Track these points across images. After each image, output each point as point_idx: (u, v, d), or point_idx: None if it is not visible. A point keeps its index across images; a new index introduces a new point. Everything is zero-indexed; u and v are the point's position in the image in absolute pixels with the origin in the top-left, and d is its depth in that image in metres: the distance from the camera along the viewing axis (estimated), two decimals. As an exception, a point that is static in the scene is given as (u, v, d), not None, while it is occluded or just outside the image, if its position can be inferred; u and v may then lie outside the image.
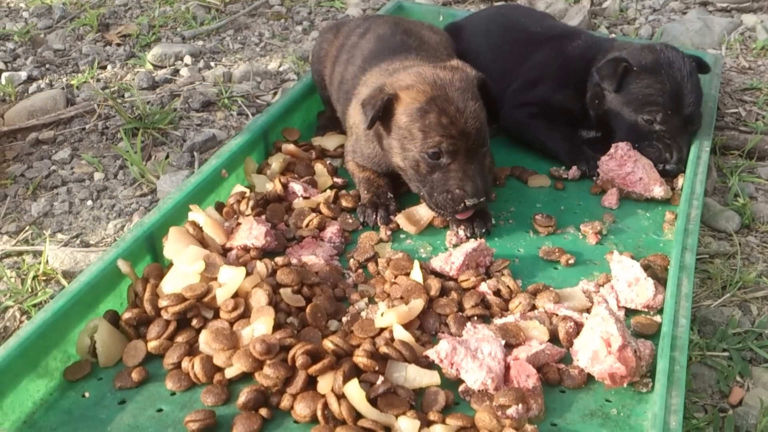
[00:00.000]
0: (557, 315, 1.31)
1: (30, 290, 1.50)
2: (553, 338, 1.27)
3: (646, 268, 1.39)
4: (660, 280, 1.38)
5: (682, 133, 1.75)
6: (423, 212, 1.58)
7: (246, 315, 1.27)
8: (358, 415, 1.09)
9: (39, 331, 1.15)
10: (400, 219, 1.58)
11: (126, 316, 1.25)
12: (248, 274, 1.32)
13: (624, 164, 1.67)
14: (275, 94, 2.36)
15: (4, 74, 2.39)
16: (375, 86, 1.55)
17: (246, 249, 1.43)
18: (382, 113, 1.48)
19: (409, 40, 1.78)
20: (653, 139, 1.73)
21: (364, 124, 1.51)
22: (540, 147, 1.87)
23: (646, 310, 1.35)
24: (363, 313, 1.32)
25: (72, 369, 1.20)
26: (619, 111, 1.78)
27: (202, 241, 1.41)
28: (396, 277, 1.39)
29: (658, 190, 1.66)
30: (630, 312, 1.35)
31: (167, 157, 1.98)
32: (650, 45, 1.82)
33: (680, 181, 1.71)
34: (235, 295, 1.29)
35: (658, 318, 1.32)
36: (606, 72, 1.76)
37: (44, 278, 1.53)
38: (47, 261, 1.55)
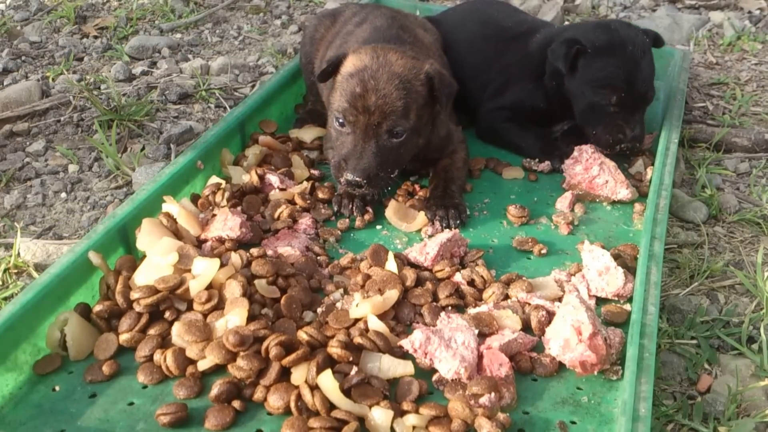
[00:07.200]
0: (530, 304, 1.33)
1: (1, 283, 1.48)
2: (526, 327, 1.29)
3: (617, 257, 1.41)
4: (630, 270, 1.41)
5: (635, 110, 1.77)
6: (412, 210, 1.61)
7: (220, 307, 1.26)
8: (331, 406, 1.09)
9: (7, 324, 1.14)
10: (388, 212, 1.59)
11: (97, 308, 1.24)
12: (223, 265, 1.31)
13: (590, 168, 1.69)
14: (253, 86, 2.34)
15: (-23, 66, 2.35)
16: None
17: (221, 240, 1.43)
18: (335, 67, 1.56)
19: (405, 35, 1.80)
20: (608, 118, 1.75)
21: (318, 78, 1.61)
22: (515, 149, 1.90)
23: (616, 298, 1.37)
24: (338, 304, 1.33)
25: (42, 362, 1.18)
26: (575, 92, 1.80)
27: (177, 233, 1.40)
28: (371, 267, 1.40)
29: (624, 193, 1.67)
30: (600, 301, 1.38)
31: (143, 149, 1.96)
32: (604, 23, 1.82)
33: (649, 173, 1.74)
34: (209, 287, 1.28)
35: (627, 306, 1.34)
36: (559, 53, 1.77)
37: (16, 271, 1.51)
38: (19, 254, 1.53)
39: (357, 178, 1.45)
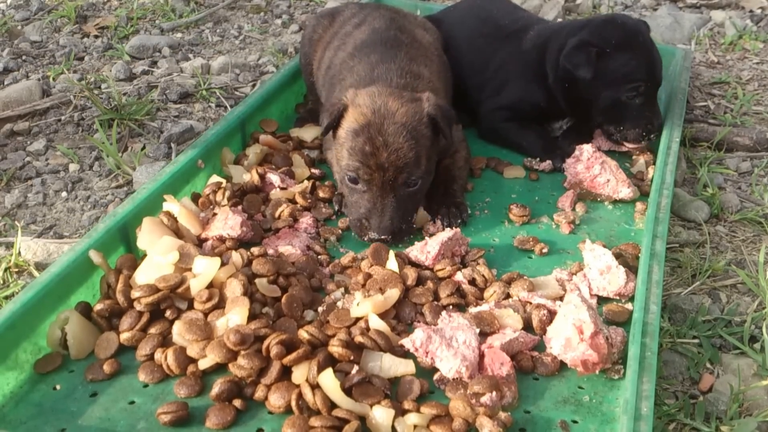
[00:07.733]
0: (531, 303, 1.33)
1: (2, 282, 1.48)
2: (527, 326, 1.29)
3: (618, 256, 1.40)
4: (631, 269, 1.40)
5: (654, 98, 1.78)
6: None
7: (221, 306, 1.26)
8: (332, 405, 1.09)
9: (8, 323, 1.14)
10: None
11: (98, 307, 1.24)
12: (224, 264, 1.31)
13: (591, 167, 1.68)
14: (254, 86, 2.34)
15: (-22, 65, 2.36)
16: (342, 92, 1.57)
17: (222, 239, 1.43)
18: (336, 121, 1.52)
19: (402, 37, 1.79)
20: (634, 112, 1.75)
21: (321, 130, 1.56)
22: (517, 148, 1.90)
23: (617, 297, 1.37)
24: (339, 303, 1.32)
25: (42, 361, 1.18)
26: (596, 92, 1.78)
27: (177, 232, 1.40)
28: (372, 266, 1.40)
29: (626, 191, 1.66)
30: (602, 300, 1.37)
31: (144, 148, 1.96)
32: (609, 19, 1.80)
33: (650, 172, 1.73)
34: (210, 286, 1.28)
35: (629, 306, 1.34)
36: (579, 60, 1.74)
37: (16, 270, 1.51)
38: (19, 253, 1.53)
39: (383, 236, 1.45)
